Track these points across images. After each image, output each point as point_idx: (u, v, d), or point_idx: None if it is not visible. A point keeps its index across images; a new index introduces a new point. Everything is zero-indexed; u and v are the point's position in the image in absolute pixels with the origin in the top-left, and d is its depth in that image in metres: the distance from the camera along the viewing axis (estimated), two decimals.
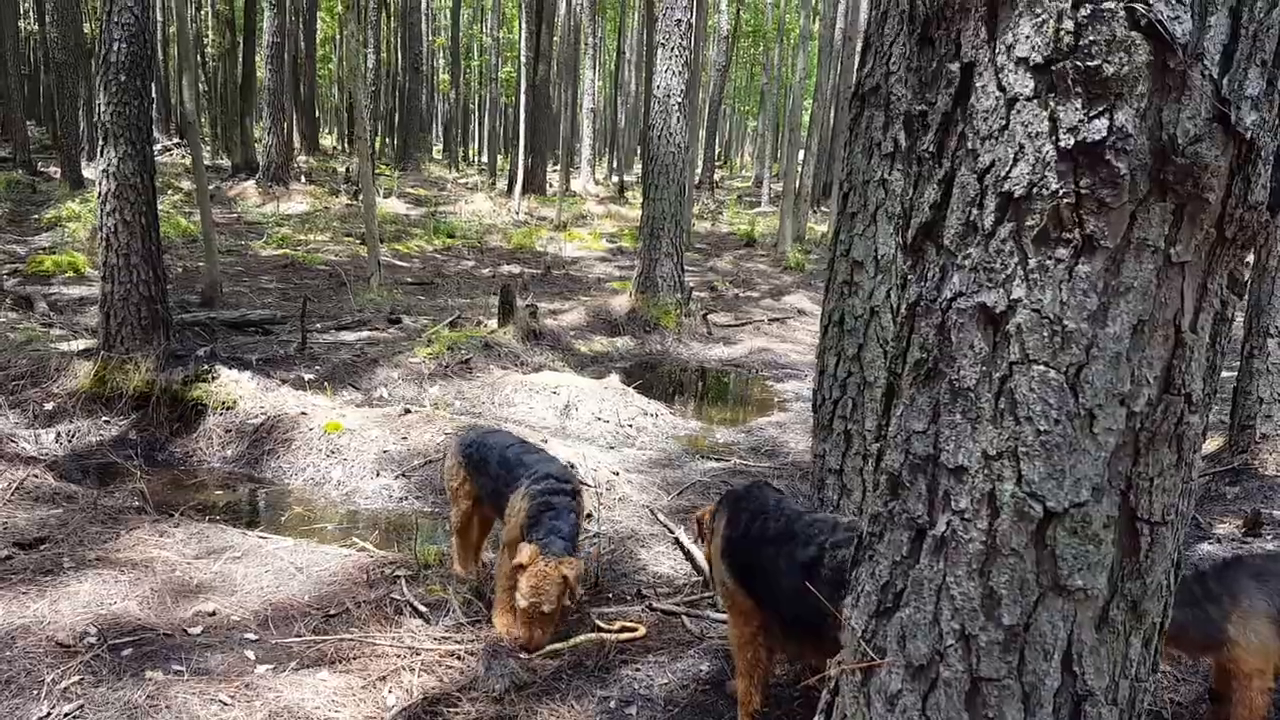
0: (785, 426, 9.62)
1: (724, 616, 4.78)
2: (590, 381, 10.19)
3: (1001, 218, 2.03)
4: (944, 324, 2.14)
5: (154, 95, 10.41)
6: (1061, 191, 1.96)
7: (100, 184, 8.73)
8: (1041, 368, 2.02)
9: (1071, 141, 1.94)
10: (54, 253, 15.24)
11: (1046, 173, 1.97)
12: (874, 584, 2.37)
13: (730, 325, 14.81)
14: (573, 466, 6.92)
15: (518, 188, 27.32)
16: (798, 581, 3.43)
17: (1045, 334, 2.01)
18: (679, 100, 13.85)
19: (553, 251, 20.95)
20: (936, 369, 2.17)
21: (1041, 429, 2.03)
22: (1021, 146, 1.99)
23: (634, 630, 4.79)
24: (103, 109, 8.60)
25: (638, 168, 44.39)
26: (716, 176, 44.03)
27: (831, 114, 30.39)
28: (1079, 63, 1.92)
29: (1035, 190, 1.98)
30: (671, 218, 14.13)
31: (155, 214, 8.97)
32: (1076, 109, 1.94)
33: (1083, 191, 1.95)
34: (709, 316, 14.52)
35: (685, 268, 14.93)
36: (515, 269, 18.69)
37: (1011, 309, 2.03)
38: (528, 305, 12.27)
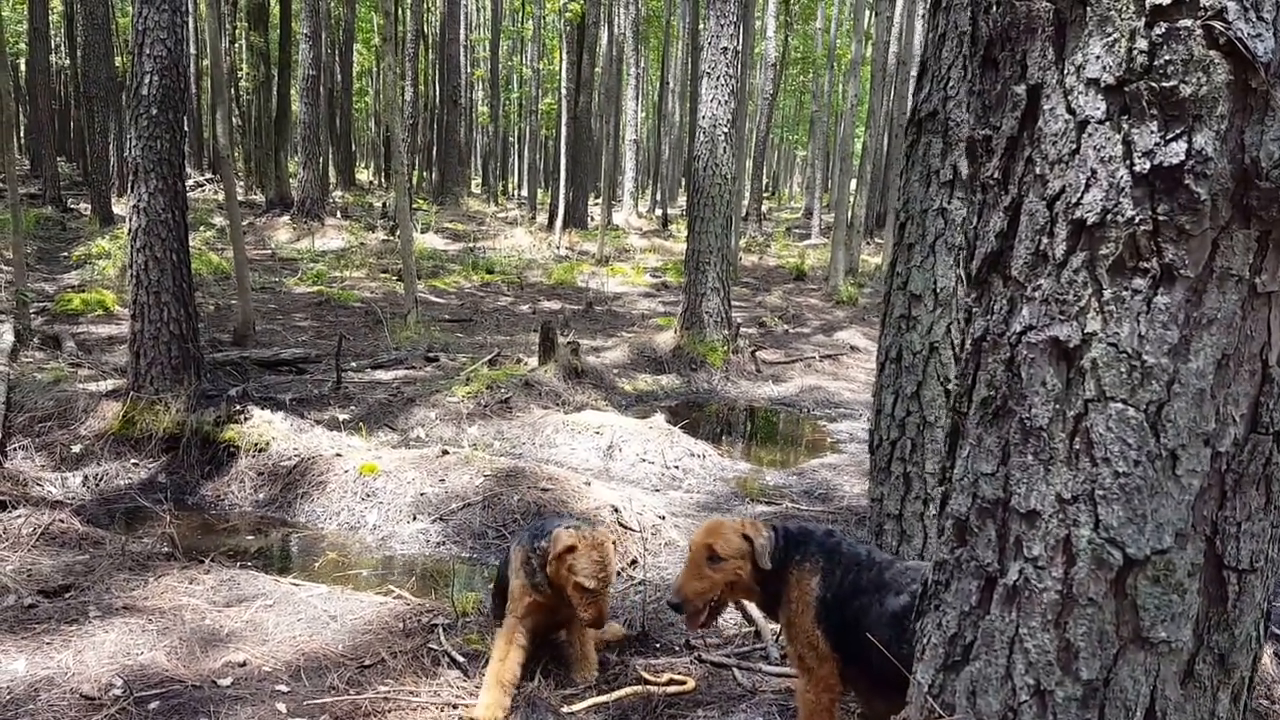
0: (839, 469, 9.37)
1: (777, 670, 4.62)
2: (634, 421, 10.03)
3: (1074, 247, 1.94)
4: (1013, 359, 2.04)
5: (187, 129, 10.43)
6: (1138, 218, 1.86)
7: (130, 220, 8.66)
8: (1120, 405, 1.91)
9: (1147, 166, 1.85)
10: (83, 290, 15.25)
11: (1121, 199, 1.87)
12: (941, 636, 2.25)
13: (780, 362, 14.57)
14: (617, 510, 6.81)
15: (558, 222, 27.14)
16: (886, 634, 3.24)
17: (1123, 369, 1.90)
18: (725, 130, 13.60)
19: (594, 287, 20.88)
20: (1005, 407, 2.07)
21: (1120, 471, 1.92)
22: (1094, 171, 1.90)
23: (682, 683, 4.62)
24: (133, 144, 8.53)
25: (682, 200, 44.24)
26: (764, 208, 43.27)
27: (885, 141, 29.92)
28: (1154, 83, 1.83)
29: (1109, 217, 1.89)
30: (718, 251, 13.89)
31: (187, 251, 8.91)
32: (1152, 132, 1.85)
33: (1160, 218, 1.85)
34: (758, 353, 14.27)
35: (732, 303, 14.69)
36: (556, 305, 18.65)
37: (1086, 343, 1.93)
38: (569, 342, 12.17)
